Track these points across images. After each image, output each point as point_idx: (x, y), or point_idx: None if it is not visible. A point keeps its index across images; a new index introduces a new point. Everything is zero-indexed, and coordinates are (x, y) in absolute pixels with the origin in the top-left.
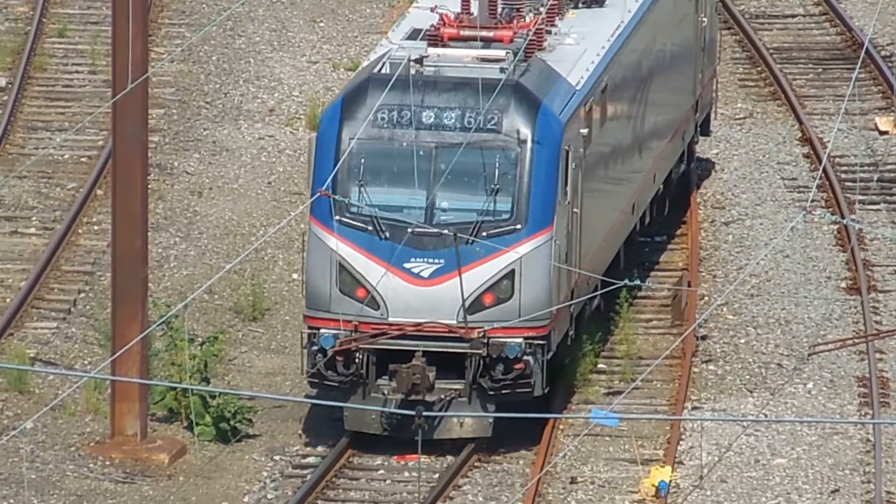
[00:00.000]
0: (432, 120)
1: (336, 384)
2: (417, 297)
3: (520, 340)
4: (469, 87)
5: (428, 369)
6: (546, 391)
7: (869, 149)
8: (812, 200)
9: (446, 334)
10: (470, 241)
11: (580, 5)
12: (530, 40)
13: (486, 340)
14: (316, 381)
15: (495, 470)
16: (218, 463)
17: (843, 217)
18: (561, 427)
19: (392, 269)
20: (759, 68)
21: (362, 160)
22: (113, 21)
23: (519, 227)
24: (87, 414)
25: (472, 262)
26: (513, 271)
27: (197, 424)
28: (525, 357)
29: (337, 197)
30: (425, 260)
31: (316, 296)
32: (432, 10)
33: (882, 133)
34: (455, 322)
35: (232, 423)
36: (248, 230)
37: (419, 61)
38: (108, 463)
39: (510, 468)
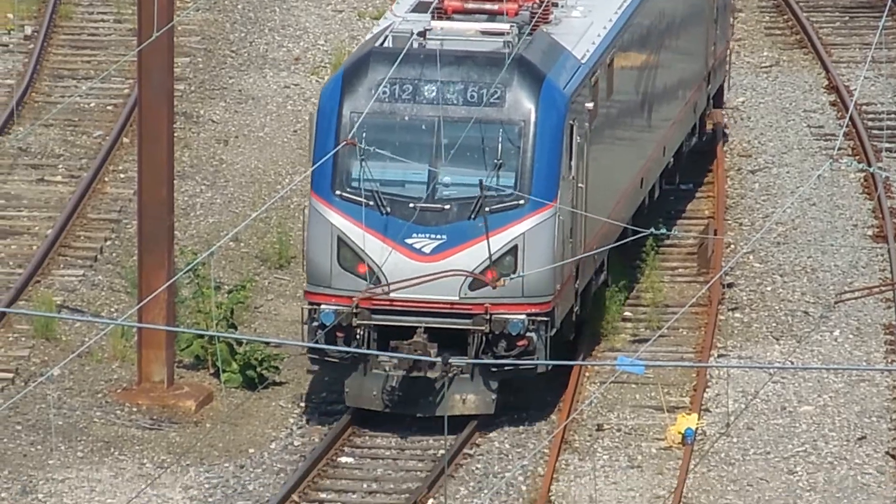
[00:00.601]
0: (434, 94)
1: (336, 360)
2: (419, 272)
3: (523, 317)
4: (472, 60)
5: (430, 346)
6: (549, 369)
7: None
8: (838, 148)
9: (448, 310)
10: (475, 216)
11: None
12: (535, 13)
13: (489, 316)
14: (316, 356)
15: (521, 417)
16: (245, 410)
17: (869, 165)
18: (587, 375)
19: (393, 244)
20: (785, 16)
21: (363, 134)
22: None
23: (522, 202)
24: (114, 361)
25: (475, 238)
26: (516, 247)
27: (223, 371)
28: (528, 334)
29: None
30: (427, 235)
31: (316, 271)
32: None
33: None
34: (457, 298)
35: (258, 370)
36: (274, 178)
37: (422, 35)
38: (134, 409)
39: (537, 415)
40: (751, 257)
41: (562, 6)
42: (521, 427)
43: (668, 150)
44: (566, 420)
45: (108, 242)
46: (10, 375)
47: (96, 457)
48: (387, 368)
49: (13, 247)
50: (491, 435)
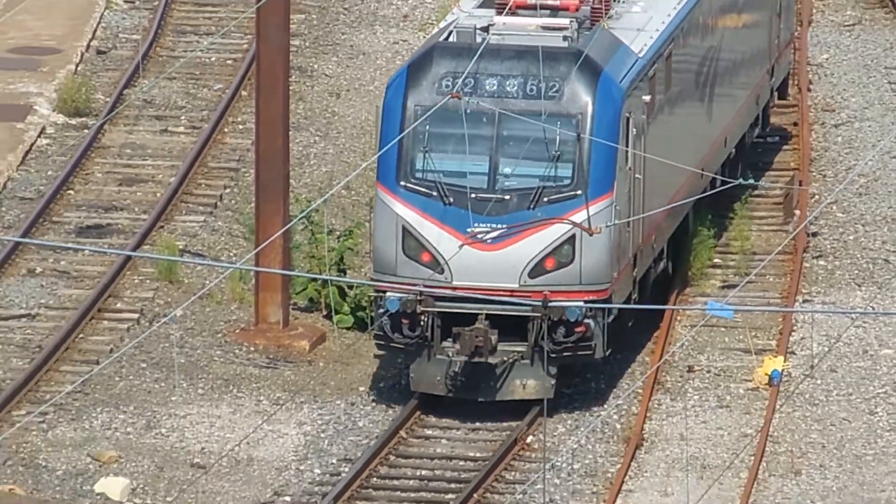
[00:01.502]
0: (495, 88)
1: (402, 346)
2: (481, 261)
3: (580, 304)
4: (531, 55)
5: (490, 332)
6: (608, 353)
7: None
8: None
9: (511, 296)
10: (535, 206)
11: None
12: (595, 8)
13: (547, 304)
14: (382, 342)
15: (616, 359)
16: (355, 350)
17: None
18: (679, 318)
19: (457, 233)
20: None
21: (427, 127)
22: None
23: (579, 192)
24: (233, 303)
25: (535, 226)
26: (573, 236)
27: (336, 313)
28: (586, 320)
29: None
30: (489, 225)
31: (382, 259)
32: None
33: None
34: (517, 286)
35: (368, 312)
36: None
37: (485, 30)
38: (252, 349)
39: (631, 357)
40: (834, 207)
41: (623, 1)
42: (616, 368)
43: (730, 142)
44: (658, 362)
45: (227, 190)
46: (136, 316)
47: (216, 394)
48: (449, 354)
49: (138, 194)
50: (588, 375)
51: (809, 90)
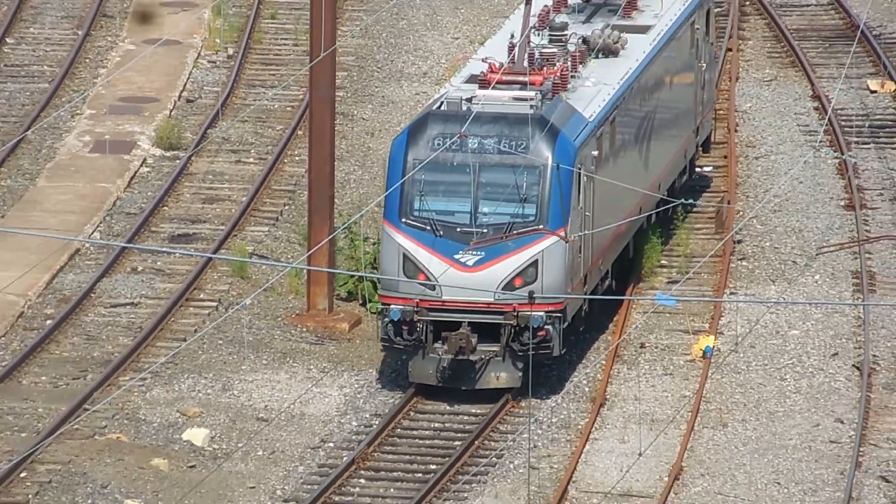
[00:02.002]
0: (476, 145)
1: (402, 347)
2: (464, 280)
3: (542, 313)
4: (505, 120)
5: (471, 336)
6: (563, 352)
7: (862, 103)
8: (820, 141)
9: (487, 308)
10: (504, 237)
11: (599, 55)
12: (556, 83)
13: (516, 314)
14: (387, 343)
15: (584, 339)
16: None
17: (842, 153)
18: (634, 307)
19: (446, 259)
20: (781, 44)
21: (422, 176)
22: (311, 7)
23: (541, 227)
24: (290, 294)
25: (506, 253)
26: (536, 261)
27: (369, 302)
28: (546, 326)
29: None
30: (470, 252)
31: (387, 279)
32: (484, 60)
33: (872, 92)
34: (493, 299)
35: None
36: None
37: (469, 100)
38: (304, 329)
39: (596, 336)
40: (754, 221)
41: (578, 77)
42: (585, 345)
43: (663, 187)
44: (618, 340)
45: (286, 207)
46: (215, 304)
47: (276, 364)
48: (439, 353)
49: (217, 210)
50: (563, 351)
51: (736, 131)
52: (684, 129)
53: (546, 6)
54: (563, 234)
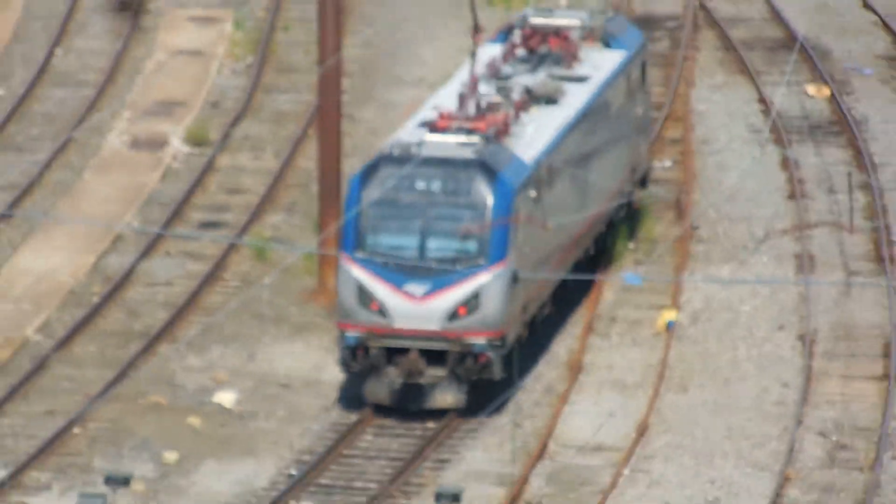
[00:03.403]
0: (424, 186)
1: (357, 370)
2: (413, 310)
3: (484, 340)
4: (449, 163)
5: (421, 361)
6: (504, 376)
7: (801, 106)
8: (765, 139)
9: (434, 335)
10: (448, 270)
11: (541, 103)
12: (499, 129)
13: (461, 341)
14: (344, 367)
15: (563, 313)
16: None
17: (785, 149)
18: (606, 285)
19: (396, 290)
20: (730, 53)
21: (374, 213)
22: (320, 21)
23: (482, 261)
24: (304, 275)
25: (451, 285)
26: (479, 292)
27: None
28: (487, 352)
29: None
30: (418, 284)
31: (343, 308)
32: (433, 109)
33: (810, 96)
34: (439, 328)
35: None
36: None
37: (418, 145)
38: (317, 306)
39: (572, 311)
40: (709, 210)
41: (519, 124)
42: (562, 320)
43: (600, 223)
44: (591, 314)
45: (300, 196)
46: (239, 283)
47: (293, 336)
48: (392, 376)
49: (239, 200)
50: (544, 325)
51: (692, 129)
52: (621, 169)
53: (494, 57)
54: (503, 267)
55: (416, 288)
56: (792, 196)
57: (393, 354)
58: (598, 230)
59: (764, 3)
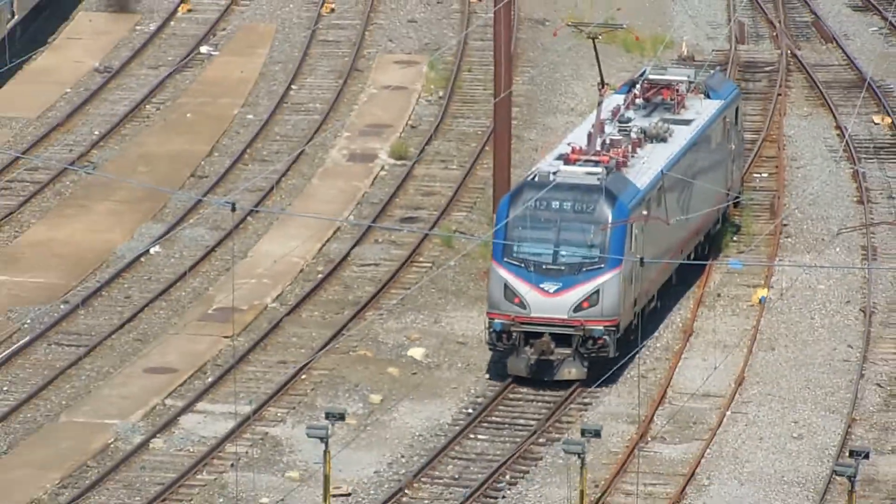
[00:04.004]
0: (558, 206)
1: (501, 350)
2: (546, 302)
3: (601, 327)
4: (579, 188)
5: (551, 342)
6: (617, 355)
7: (869, 131)
8: (840, 157)
9: (562, 323)
10: (575, 272)
11: (653, 142)
12: (619, 161)
13: (583, 327)
14: (491, 347)
15: (677, 291)
16: None
17: (855, 165)
18: (715, 268)
19: (534, 287)
20: (814, 90)
21: (518, 227)
22: (495, 64)
23: (603, 265)
24: (479, 258)
25: (578, 284)
26: (599, 289)
27: None
28: (604, 336)
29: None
30: (551, 283)
31: (492, 301)
32: (567, 144)
33: (875, 124)
34: (566, 316)
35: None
36: None
37: (554, 173)
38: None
39: (686, 291)
40: (796, 211)
41: (635, 157)
42: (677, 296)
43: (700, 233)
44: (702, 291)
45: (478, 199)
46: (429, 264)
47: (470, 305)
48: (529, 354)
49: (431, 200)
50: (665, 296)
51: (784, 149)
52: (718, 193)
53: (618, 105)
54: (619, 271)
55: (550, 286)
56: (860, 201)
57: (530, 337)
58: (698, 240)
59: (841, 52)
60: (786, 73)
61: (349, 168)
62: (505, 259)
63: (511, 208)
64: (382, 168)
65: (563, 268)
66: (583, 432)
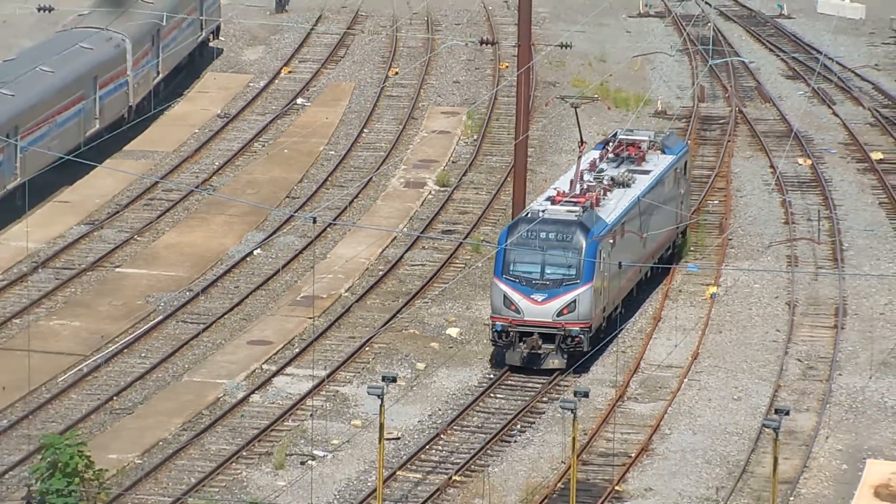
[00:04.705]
0: (544, 236)
1: (502, 346)
2: (537, 308)
3: (578, 328)
4: (561, 222)
5: (539, 339)
6: (590, 350)
7: (795, 170)
8: (772, 188)
9: (548, 325)
10: (558, 286)
11: (619, 186)
12: (592, 202)
13: (564, 328)
14: (493, 343)
15: (650, 289)
16: None
17: (783, 195)
18: (676, 272)
19: (526, 297)
20: (755, 138)
21: (514, 252)
22: (516, 115)
23: (579, 281)
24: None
25: (559, 295)
26: (576, 299)
27: None
28: (580, 335)
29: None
30: (540, 294)
31: (495, 307)
32: (554, 189)
33: (800, 164)
34: (551, 320)
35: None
36: None
37: (543, 211)
38: None
39: (654, 289)
40: (738, 228)
41: (607, 199)
42: (647, 294)
43: (656, 256)
44: (668, 288)
45: (501, 216)
46: (462, 265)
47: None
48: (522, 349)
49: (465, 217)
50: (637, 295)
51: (731, 182)
52: (671, 223)
53: (594, 158)
54: (590, 286)
55: (538, 296)
56: (786, 222)
57: (523, 336)
58: (653, 261)
59: (776, 109)
60: (734, 124)
61: (404, 192)
62: (504, 276)
63: (508, 237)
64: (430, 193)
65: (548, 283)
66: (575, 393)
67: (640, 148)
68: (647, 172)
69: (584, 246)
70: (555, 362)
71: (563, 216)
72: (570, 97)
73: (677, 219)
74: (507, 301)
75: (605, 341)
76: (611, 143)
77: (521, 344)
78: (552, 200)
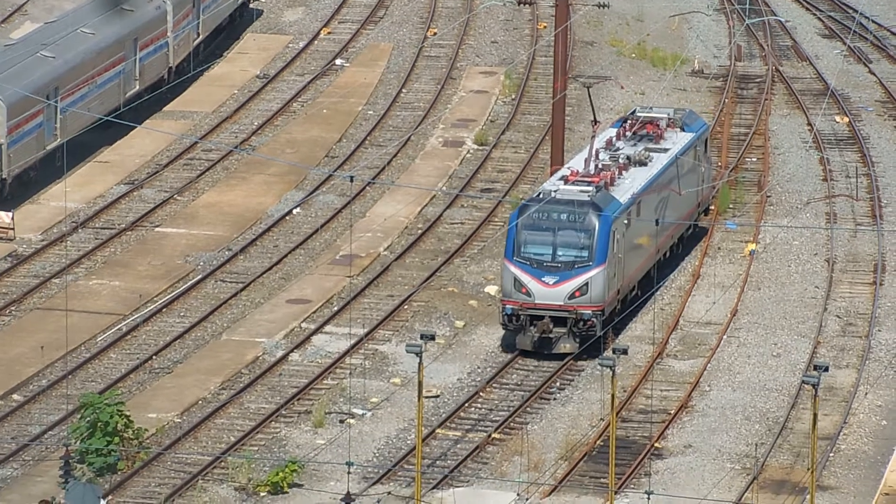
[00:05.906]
0: (556, 216)
1: (512, 329)
2: (548, 291)
3: (590, 311)
4: (573, 202)
5: (550, 323)
6: (603, 334)
7: (832, 128)
8: (810, 146)
9: (559, 308)
10: (570, 268)
11: (636, 165)
12: (607, 182)
13: (576, 312)
14: (503, 326)
15: (690, 245)
16: None
17: (821, 153)
18: (715, 230)
19: (537, 280)
20: (792, 97)
21: (525, 232)
22: (554, 75)
23: (591, 263)
24: None
25: (571, 277)
26: (588, 282)
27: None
28: (592, 318)
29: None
30: (551, 276)
31: (505, 290)
32: (568, 168)
33: (837, 122)
34: (563, 303)
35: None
36: None
37: (555, 191)
38: None
39: (696, 245)
40: (777, 186)
41: (621, 177)
42: (688, 249)
43: (675, 237)
44: (706, 245)
45: (539, 174)
46: (501, 224)
47: None
48: (533, 333)
49: (504, 175)
50: (678, 250)
51: (769, 140)
52: (691, 204)
53: (610, 137)
54: (604, 268)
55: (550, 279)
56: (824, 179)
57: (534, 319)
58: (671, 243)
59: (812, 68)
60: (771, 83)
61: (443, 151)
62: (514, 257)
63: (519, 218)
64: (468, 151)
65: (560, 265)
66: (614, 350)
67: (657, 126)
68: (664, 150)
69: (596, 227)
70: (566, 346)
71: (575, 196)
72: (581, 76)
73: (698, 198)
74: (518, 284)
75: (642, 299)
76: (628, 121)
77: (531, 328)
78: (565, 180)
